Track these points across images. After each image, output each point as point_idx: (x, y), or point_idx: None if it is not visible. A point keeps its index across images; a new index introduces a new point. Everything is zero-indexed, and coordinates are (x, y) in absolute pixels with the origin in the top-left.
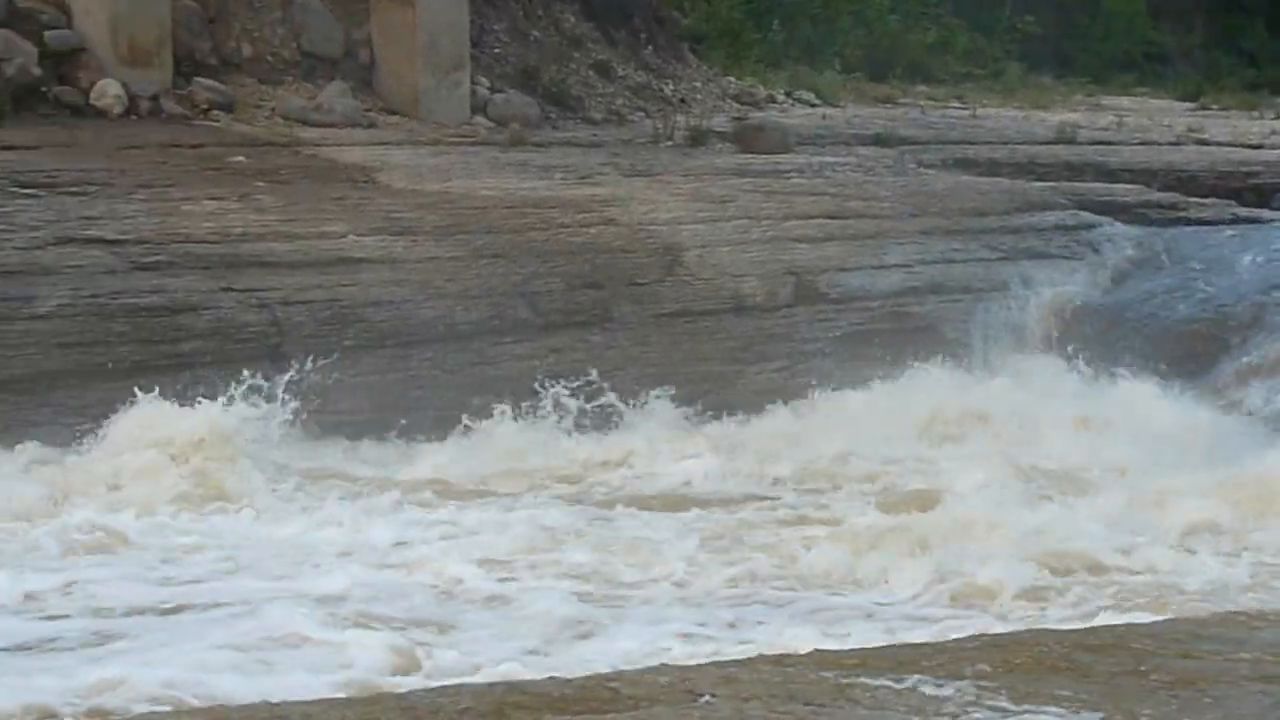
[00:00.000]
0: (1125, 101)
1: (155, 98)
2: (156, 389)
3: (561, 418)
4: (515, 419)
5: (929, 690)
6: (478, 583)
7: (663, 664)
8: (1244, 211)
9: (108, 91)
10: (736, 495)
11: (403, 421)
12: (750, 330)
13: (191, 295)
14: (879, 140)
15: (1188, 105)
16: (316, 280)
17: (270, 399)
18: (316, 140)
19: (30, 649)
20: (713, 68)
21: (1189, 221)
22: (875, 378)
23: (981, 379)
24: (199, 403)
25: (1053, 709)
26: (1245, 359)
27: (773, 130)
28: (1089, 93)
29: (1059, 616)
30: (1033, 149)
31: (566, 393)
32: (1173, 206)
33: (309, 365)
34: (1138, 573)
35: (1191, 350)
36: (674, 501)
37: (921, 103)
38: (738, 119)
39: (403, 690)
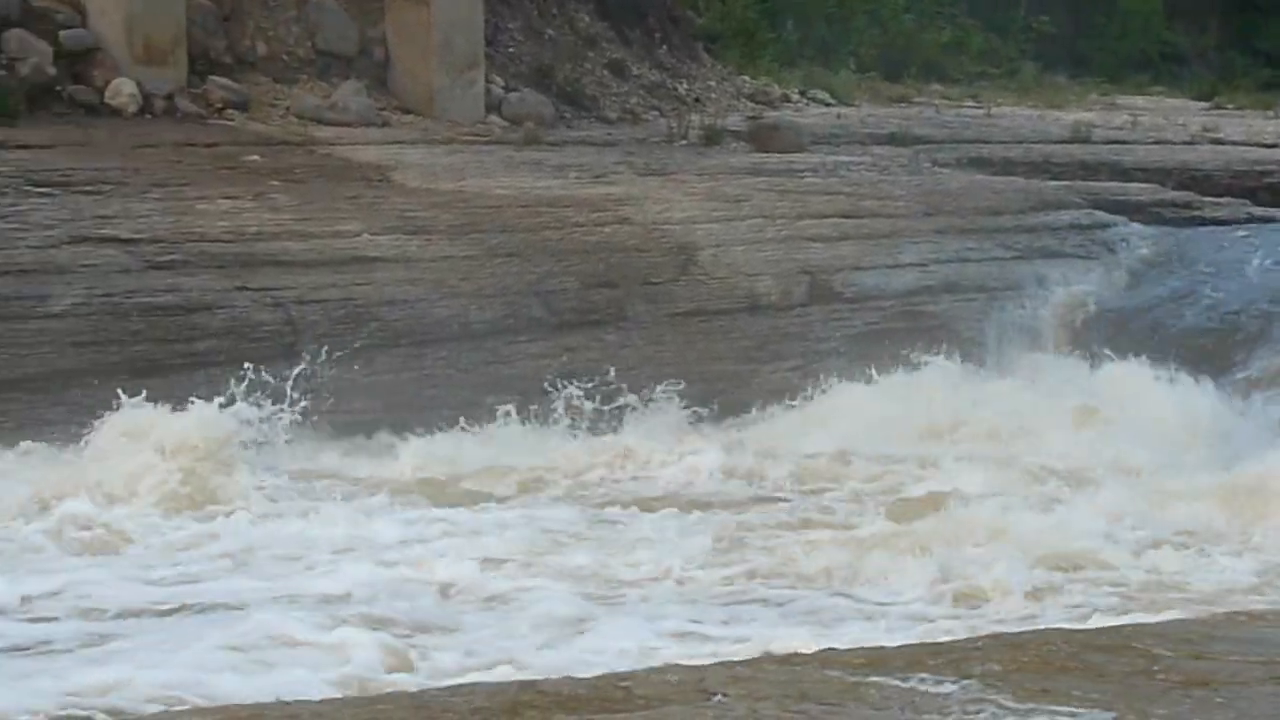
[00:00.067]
0: (1140, 101)
1: (170, 97)
2: (168, 388)
3: (574, 417)
4: (528, 418)
5: (939, 689)
6: (478, 583)
7: (674, 664)
8: (1258, 211)
9: (122, 90)
10: (741, 495)
11: (417, 420)
12: (765, 329)
13: (206, 294)
14: (894, 139)
15: (1203, 105)
16: (331, 279)
17: (282, 398)
18: (331, 139)
19: (27, 650)
20: (727, 67)
21: (1203, 221)
22: (887, 377)
23: (994, 378)
24: (210, 401)
25: (1063, 708)
26: (1246, 374)
27: (787, 129)
28: (1104, 92)
29: (1062, 617)
30: (1048, 148)
31: (580, 392)
32: (1187, 206)
33: (323, 364)
34: (1143, 573)
35: (1199, 356)
36: (683, 501)
37: (936, 102)
38: (752, 118)
39: (407, 689)
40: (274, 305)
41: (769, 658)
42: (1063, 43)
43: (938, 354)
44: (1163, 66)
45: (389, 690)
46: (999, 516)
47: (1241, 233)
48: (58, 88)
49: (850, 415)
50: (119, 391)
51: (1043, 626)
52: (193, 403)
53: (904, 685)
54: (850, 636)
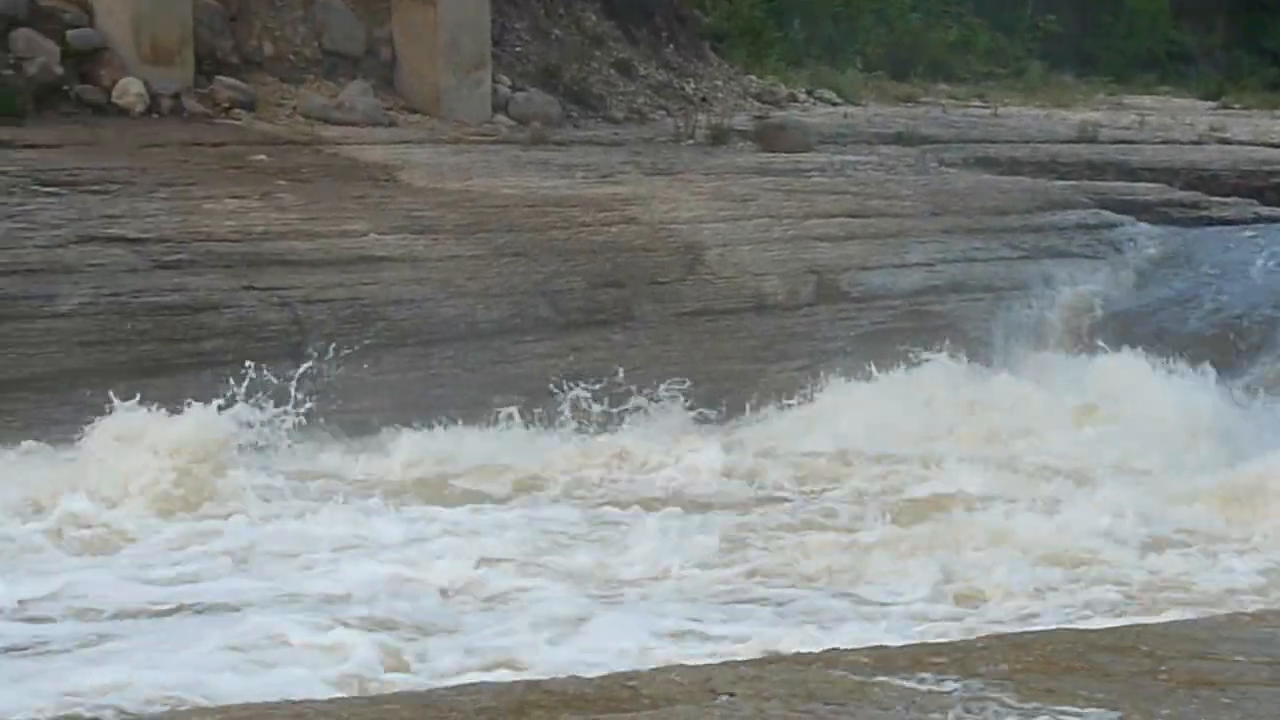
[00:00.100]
0: (1147, 100)
1: (177, 96)
2: (174, 388)
3: (580, 417)
4: (534, 417)
5: (945, 689)
6: (477, 582)
7: (680, 663)
8: (1265, 210)
9: (129, 90)
10: (743, 495)
11: (423, 419)
12: (771, 329)
13: (213, 294)
14: (900, 139)
15: (1210, 104)
16: (338, 279)
17: (288, 397)
18: (338, 139)
19: (25, 651)
20: (734, 66)
21: (1211, 220)
22: (894, 376)
23: (1000, 377)
24: (219, 399)
25: (1069, 708)
26: (1246, 379)
27: (794, 129)
28: (1111, 91)
29: (1065, 617)
30: (1054, 148)
31: (586, 393)
32: (1194, 205)
33: (329, 363)
34: (1146, 573)
35: (1203, 357)
36: (684, 500)
37: (943, 101)
38: (759, 118)
39: (412, 689)
40: (281, 305)
41: (775, 657)
42: (1069, 42)
43: (940, 351)
44: (1169, 66)
45: (390, 690)
46: (1000, 517)
47: (1249, 233)
48: (65, 87)
49: (860, 414)
50: (119, 394)
51: (1046, 627)
52: (215, 401)
53: (912, 685)
54: (851, 637)
